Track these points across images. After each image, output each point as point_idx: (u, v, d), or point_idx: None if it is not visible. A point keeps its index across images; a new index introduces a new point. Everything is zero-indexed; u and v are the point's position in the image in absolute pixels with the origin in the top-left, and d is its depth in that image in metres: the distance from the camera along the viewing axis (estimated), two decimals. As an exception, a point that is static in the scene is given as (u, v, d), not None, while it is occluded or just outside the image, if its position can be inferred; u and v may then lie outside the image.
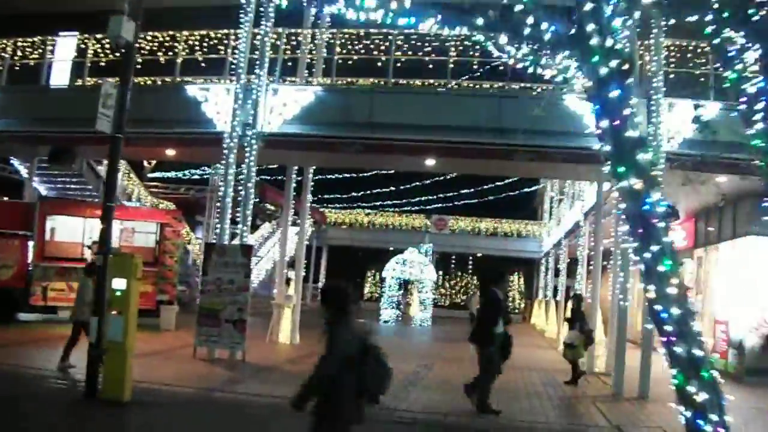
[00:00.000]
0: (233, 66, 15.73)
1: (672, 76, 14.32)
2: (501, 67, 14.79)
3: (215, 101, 15.81)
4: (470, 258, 51.68)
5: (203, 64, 16.86)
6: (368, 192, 44.86)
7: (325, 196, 43.56)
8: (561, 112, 14.31)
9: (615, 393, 13.50)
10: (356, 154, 15.14)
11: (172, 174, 39.60)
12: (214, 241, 15.40)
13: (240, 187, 15.33)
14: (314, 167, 19.81)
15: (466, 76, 15.40)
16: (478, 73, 15.32)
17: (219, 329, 14.26)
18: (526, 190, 46.14)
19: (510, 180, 43.10)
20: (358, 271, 50.29)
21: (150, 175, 37.72)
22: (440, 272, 44.01)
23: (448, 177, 41.75)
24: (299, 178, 19.73)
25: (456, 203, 46.26)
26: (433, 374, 14.85)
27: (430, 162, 16.27)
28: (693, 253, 21.23)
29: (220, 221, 15.33)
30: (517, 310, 43.17)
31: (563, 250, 31.75)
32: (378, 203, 47.51)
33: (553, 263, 37.95)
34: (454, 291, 47.75)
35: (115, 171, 10.18)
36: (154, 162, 37.53)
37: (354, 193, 45.35)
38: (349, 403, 5.37)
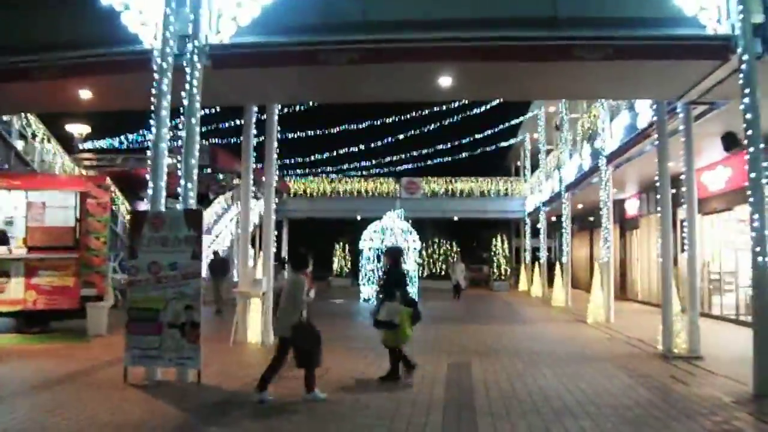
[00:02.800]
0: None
1: None
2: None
3: (139, 9, 10.94)
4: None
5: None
6: (333, 153, 39.77)
7: (284, 161, 38.45)
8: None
9: (758, 394, 9.13)
10: (348, 65, 10.27)
11: (107, 144, 34.12)
12: (145, 209, 10.48)
13: (180, 128, 10.53)
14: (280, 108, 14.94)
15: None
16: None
17: (159, 338, 9.50)
18: (503, 144, 41.83)
19: (486, 134, 38.84)
20: (324, 244, 45.75)
21: (83, 146, 32.45)
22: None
23: (422, 131, 37.32)
24: (261, 139, 14.93)
25: (429, 163, 41.64)
26: (481, 381, 10.26)
27: (445, 81, 11.51)
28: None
29: (152, 178, 10.41)
30: (503, 277, 39.00)
31: (565, 203, 27.53)
32: (344, 166, 42.57)
33: (545, 222, 34.01)
34: (432, 260, 43.44)
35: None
36: (85, 133, 32.34)
37: (317, 155, 40.21)
38: None
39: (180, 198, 10.37)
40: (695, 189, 13.01)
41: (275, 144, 14.55)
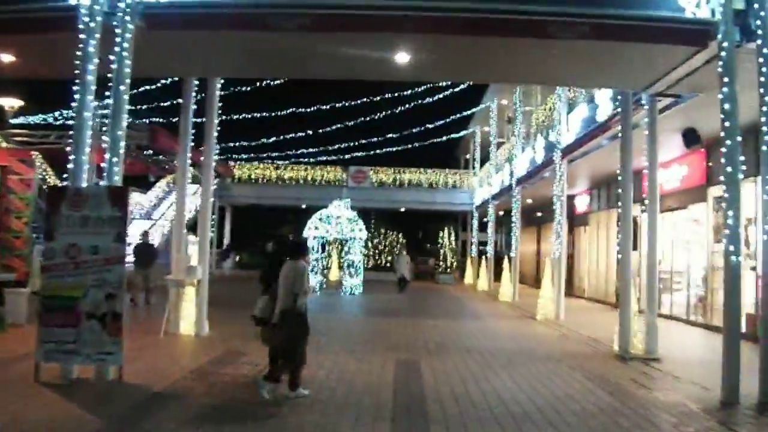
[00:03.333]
0: None
1: None
2: None
3: (64, -41, 9.77)
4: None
5: None
6: (280, 138, 38.53)
7: (229, 145, 36.94)
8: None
9: (726, 402, 8.58)
10: (298, 32, 9.30)
11: (41, 119, 32.08)
12: (65, 185, 9.37)
13: (108, 95, 9.44)
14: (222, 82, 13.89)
15: None
16: None
17: (77, 330, 8.43)
18: (453, 135, 41.25)
19: (436, 125, 38.10)
20: (268, 233, 44.55)
21: (14, 121, 30.46)
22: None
23: (372, 119, 36.39)
24: (201, 119, 13.84)
25: (377, 152, 40.67)
26: (433, 383, 9.48)
27: (402, 57, 10.66)
28: (707, 192, 16.80)
29: (74, 150, 9.31)
30: (449, 270, 38.57)
31: (516, 197, 27.09)
32: (290, 152, 41.32)
33: (493, 216, 33.56)
34: (378, 251, 42.58)
35: None
36: (17, 106, 30.34)
37: (264, 140, 38.87)
38: None
39: (105, 174, 9.30)
40: (657, 185, 12.50)
41: (216, 121, 13.52)
